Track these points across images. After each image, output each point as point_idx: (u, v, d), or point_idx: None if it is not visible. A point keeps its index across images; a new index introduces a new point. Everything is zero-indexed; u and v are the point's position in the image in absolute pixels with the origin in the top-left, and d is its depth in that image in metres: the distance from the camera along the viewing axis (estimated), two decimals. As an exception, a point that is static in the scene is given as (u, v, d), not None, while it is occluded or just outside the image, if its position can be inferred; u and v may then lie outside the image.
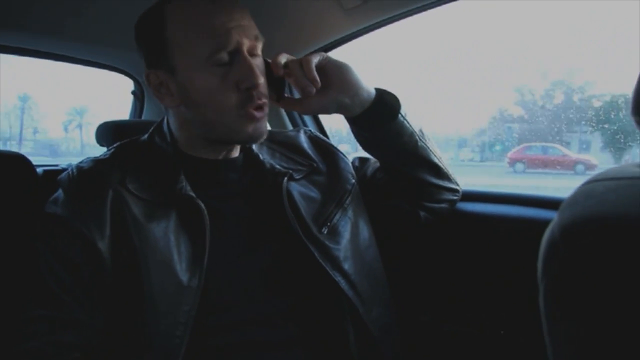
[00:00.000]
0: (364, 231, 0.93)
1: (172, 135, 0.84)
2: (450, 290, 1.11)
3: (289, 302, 0.82)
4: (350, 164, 1.00)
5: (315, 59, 0.82)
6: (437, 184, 0.98)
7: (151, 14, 0.79)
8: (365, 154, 1.02)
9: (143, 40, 0.81)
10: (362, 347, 0.84)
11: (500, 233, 1.04)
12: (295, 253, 0.83)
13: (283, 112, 1.51)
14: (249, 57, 0.76)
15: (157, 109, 1.56)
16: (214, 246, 0.77)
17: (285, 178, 0.86)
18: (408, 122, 0.90)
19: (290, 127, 1.50)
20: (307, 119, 1.51)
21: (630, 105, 0.44)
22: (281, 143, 0.95)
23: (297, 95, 0.87)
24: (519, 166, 3.02)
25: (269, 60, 0.83)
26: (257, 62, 0.79)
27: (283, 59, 0.83)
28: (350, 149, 0.93)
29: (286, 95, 0.88)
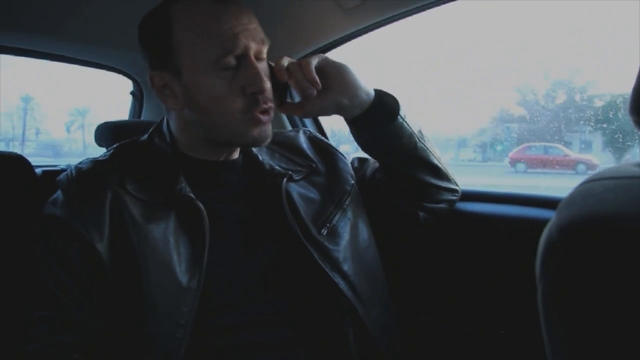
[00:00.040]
0: (364, 232, 0.93)
1: (171, 135, 0.84)
2: (449, 290, 1.11)
3: (289, 303, 0.82)
4: (350, 165, 1.00)
5: (315, 61, 0.82)
6: (436, 185, 0.98)
7: (157, 15, 0.78)
8: (365, 155, 1.01)
9: (148, 41, 0.80)
10: (362, 347, 0.84)
11: (500, 233, 1.04)
12: (294, 254, 0.83)
13: (282, 112, 1.51)
14: (255, 62, 0.76)
15: (156, 110, 1.56)
16: (213, 247, 0.77)
17: (285, 179, 0.86)
18: (407, 124, 0.90)
19: (289, 127, 1.50)
20: (307, 119, 1.51)
21: (628, 105, 0.44)
22: (280, 144, 0.95)
23: (297, 99, 0.87)
24: (520, 166, 3.02)
25: (272, 64, 0.83)
26: (263, 66, 0.79)
27: (285, 62, 0.82)
28: (351, 149, 0.93)
29: (287, 100, 0.88)
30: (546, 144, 2.90)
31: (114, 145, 0.87)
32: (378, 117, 0.88)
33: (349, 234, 0.89)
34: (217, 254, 0.78)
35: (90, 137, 1.25)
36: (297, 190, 0.88)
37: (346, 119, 0.90)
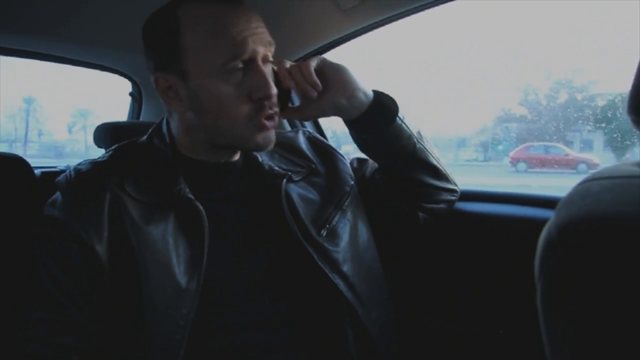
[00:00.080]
0: (363, 232, 0.93)
1: (171, 137, 0.84)
2: (449, 290, 1.11)
3: (288, 305, 0.81)
4: (349, 165, 1.00)
5: (314, 63, 0.83)
6: (435, 185, 0.98)
7: (164, 16, 0.77)
8: (364, 155, 1.01)
9: (153, 42, 0.79)
10: (361, 348, 0.83)
11: (499, 232, 1.05)
12: (294, 255, 0.83)
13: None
14: (263, 68, 0.76)
15: (155, 111, 1.56)
16: (212, 248, 0.77)
17: (284, 180, 0.86)
18: (406, 125, 0.90)
19: (288, 128, 1.50)
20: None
21: (626, 105, 0.44)
22: (280, 144, 0.95)
23: (296, 102, 0.87)
24: (521, 166, 3.02)
25: (275, 68, 0.83)
26: (269, 70, 0.78)
27: (287, 65, 0.83)
28: (353, 149, 0.93)
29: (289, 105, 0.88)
30: (547, 143, 2.90)
31: (113, 147, 0.86)
32: (377, 119, 0.88)
33: (349, 235, 0.89)
34: (217, 255, 0.78)
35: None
36: (296, 191, 0.88)
37: (345, 121, 0.90)
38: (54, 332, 0.70)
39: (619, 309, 0.35)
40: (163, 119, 0.87)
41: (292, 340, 0.80)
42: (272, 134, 0.80)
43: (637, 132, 0.45)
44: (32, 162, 1.11)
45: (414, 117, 0.93)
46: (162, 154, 0.82)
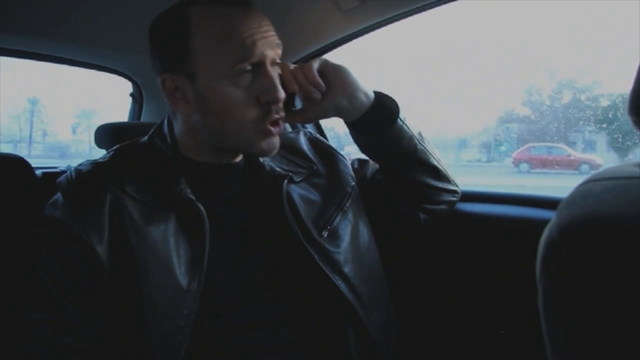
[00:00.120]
0: (364, 233, 0.93)
1: (172, 137, 0.83)
2: (450, 291, 1.11)
3: (289, 306, 0.81)
4: (350, 166, 1.00)
5: (316, 64, 0.83)
6: (436, 186, 0.97)
7: (173, 17, 0.77)
8: (365, 156, 1.01)
9: (161, 43, 0.79)
10: (362, 349, 0.83)
11: (500, 233, 1.04)
12: (295, 256, 0.83)
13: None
14: (271, 72, 0.76)
15: (156, 111, 1.57)
16: (213, 249, 0.77)
17: (286, 181, 0.86)
18: (407, 126, 0.90)
19: (289, 129, 1.50)
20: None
21: (627, 105, 0.44)
22: (281, 145, 0.95)
23: (298, 105, 0.87)
24: (524, 166, 3.02)
25: (279, 72, 0.82)
26: (277, 74, 0.78)
27: (290, 67, 0.83)
28: (356, 150, 0.93)
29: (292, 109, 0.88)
30: (549, 144, 2.91)
31: (114, 147, 0.86)
32: (378, 120, 0.88)
33: (350, 236, 0.89)
34: (218, 256, 0.78)
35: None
36: (297, 192, 0.88)
37: (346, 122, 0.90)
38: (54, 332, 0.70)
39: (620, 309, 0.35)
40: (164, 119, 0.87)
41: (293, 341, 0.80)
42: (276, 140, 0.80)
43: (638, 132, 0.45)
44: (37, 162, 1.11)
45: (415, 118, 0.93)
46: (163, 155, 0.82)
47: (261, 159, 0.88)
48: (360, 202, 0.96)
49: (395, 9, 1.11)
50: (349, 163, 1.00)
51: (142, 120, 1.61)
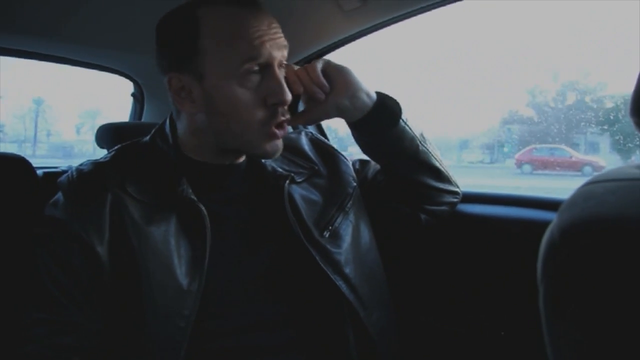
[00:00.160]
0: (365, 234, 0.93)
1: (174, 137, 0.83)
2: (450, 292, 1.11)
3: (290, 306, 0.81)
4: (351, 167, 1.00)
5: (319, 65, 0.83)
6: (437, 187, 0.97)
7: (182, 16, 0.77)
8: (366, 157, 1.01)
9: (169, 42, 0.79)
10: (362, 350, 0.83)
11: (501, 235, 1.04)
12: (296, 257, 0.83)
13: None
14: (279, 73, 0.76)
15: (157, 111, 1.57)
16: (214, 249, 0.77)
17: (287, 181, 0.86)
18: (409, 127, 0.90)
19: (290, 129, 1.50)
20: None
21: (629, 107, 0.43)
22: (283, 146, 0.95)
23: (300, 107, 0.87)
24: (526, 168, 3.02)
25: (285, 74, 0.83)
26: (283, 75, 0.79)
27: (294, 69, 0.83)
28: (359, 150, 0.94)
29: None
30: (552, 145, 2.90)
31: (116, 147, 0.86)
32: (380, 121, 0.88)
33: (351, 237, 0.89)
34: (218, 256, 0.78)
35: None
36: (299, 192, 0.88)
37: (348, 122, 0.90)
38: (54, 332, 0.70)
39: (621, 311, 0.35)
40: (166, 119, 0.87)
41: (293, 341, 0.80)
42: (280, 143, 0.81)
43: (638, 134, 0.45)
44: (42, 162, 1.11)
45: (417, 119, 0.93)
46: (165, 155, 0.82)
47: (263, 160, 0.88)
48: (362, 202, 0.96)
49: (397, 10, 1.11)
50: (350, 163, 1.00)
51: (143, 120, 1.61)
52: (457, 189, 1.02)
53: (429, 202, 0.99)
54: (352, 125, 0.90)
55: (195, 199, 0.77)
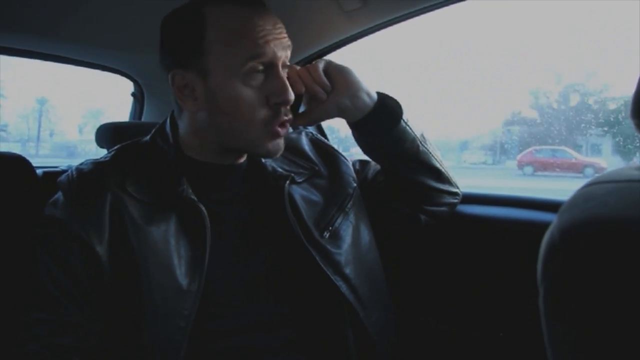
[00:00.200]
0: (365, 235, 0.93)
1: (175, 137, 0.83)
2: (450, 292, 1.11)
3: (290, 306, 0.81)
4: (352, 167, 1.00)
5: (321, 65, 0.84)
6: (438, 188, 0.97)
7: (188, 14, 0.77)
8: (367, 157, 1.01)
9: (174, 39, 0.79)
10: (362, 350, 0.83)
11: (500, 235, 1.04)
12: (296, 257, 0.83)
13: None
14: (282, 73, 0.77)
15: (157, 111, 1.57)
16: (214, 250, 0.77)
17: (287, 181, 0.86)
18: (410, 128, 0.90)
19: (290, 129, 1.50)
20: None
21: (629, 109, 0.43)
22: None
23: (301, 108, 0.88)
24: (528, 169, 3.02)
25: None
26: (286, 74, 0.79)
27: (296, 69, 0.83)
28: (361, 151, 0.94)
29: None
30: (553, 147, 2.90)
31: (116, 147, 0.86)
32: (381, 121, 0.88)
33: (351, 237, 0.89)
34: (218, 256, 0.78)
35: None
36: (299, 192, 0.88)
37: (349, 123, 0.90)
38: (53, 332, 0.70)
39: (621, 312, 0.35)
40: (166, 119, 0.87)
41: (293, 342, 0.80)
42: (282, 142, 0.81)
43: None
44: (45, 161, 1.11)
45: (418, 120, 0.93)
46: (165, 155, 0.82)
47: (263, 160, 0.88)
48: (362, 203, 0.96)
49: (398, 11, 1.11)
50: (350, 164, 1.00)
51: (143, 119, 1.61)
52: (457, 190, 1.02)
53: (429, 203, 0.99)
54: (353, 125, 0.90)
55: (195, 199, 0.77)
